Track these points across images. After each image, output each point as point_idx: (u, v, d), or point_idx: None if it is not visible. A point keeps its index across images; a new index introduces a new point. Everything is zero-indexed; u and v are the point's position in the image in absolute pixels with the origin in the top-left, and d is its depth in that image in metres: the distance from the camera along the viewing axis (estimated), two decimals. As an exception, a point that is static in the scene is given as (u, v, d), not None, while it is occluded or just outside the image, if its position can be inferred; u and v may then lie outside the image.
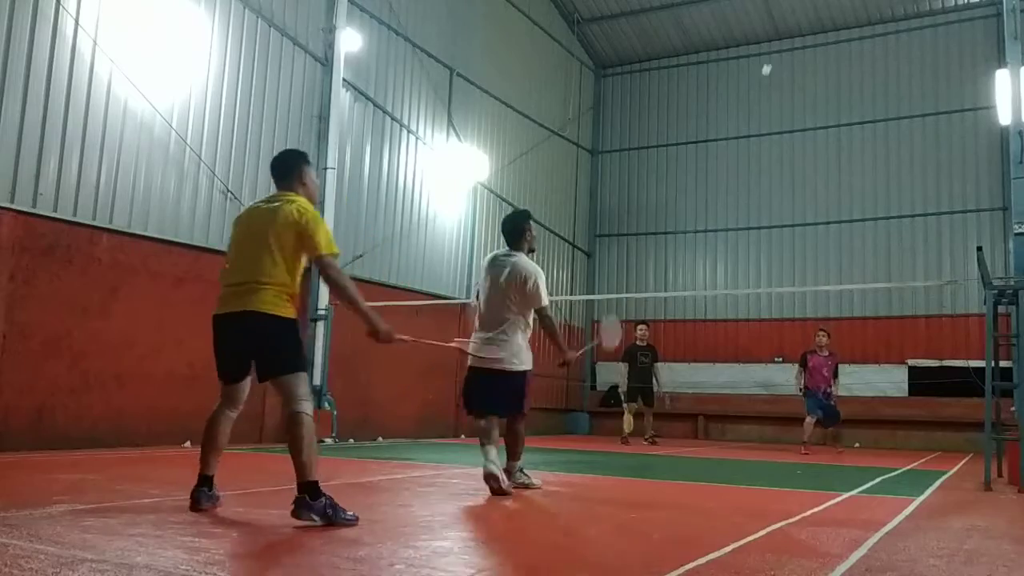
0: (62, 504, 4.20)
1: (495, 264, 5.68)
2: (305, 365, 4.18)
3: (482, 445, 5.46)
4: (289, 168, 4.30)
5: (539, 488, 5.65)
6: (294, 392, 3.99)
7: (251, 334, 4.02)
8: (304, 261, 4.13)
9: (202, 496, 4.22)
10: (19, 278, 7.58)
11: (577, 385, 17.31)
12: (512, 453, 5.68)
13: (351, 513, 3.86)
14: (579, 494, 6.05)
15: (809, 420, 11.76)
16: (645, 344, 13.31)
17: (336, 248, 4.12)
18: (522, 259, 5.67)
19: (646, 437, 12.89)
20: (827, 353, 11.94)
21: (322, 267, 4.07)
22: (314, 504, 3.78)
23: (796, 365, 12.30)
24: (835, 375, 11.94)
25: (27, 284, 7.64)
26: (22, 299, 7.59)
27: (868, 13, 15.97)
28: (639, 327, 13.57)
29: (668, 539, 4.02)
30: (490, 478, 5.24)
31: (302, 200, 4.15)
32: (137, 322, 8.46)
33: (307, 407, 3.99)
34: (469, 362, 5.67)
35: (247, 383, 4.28)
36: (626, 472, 8.23)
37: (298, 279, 4.13)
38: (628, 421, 13.00)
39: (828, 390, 11.76)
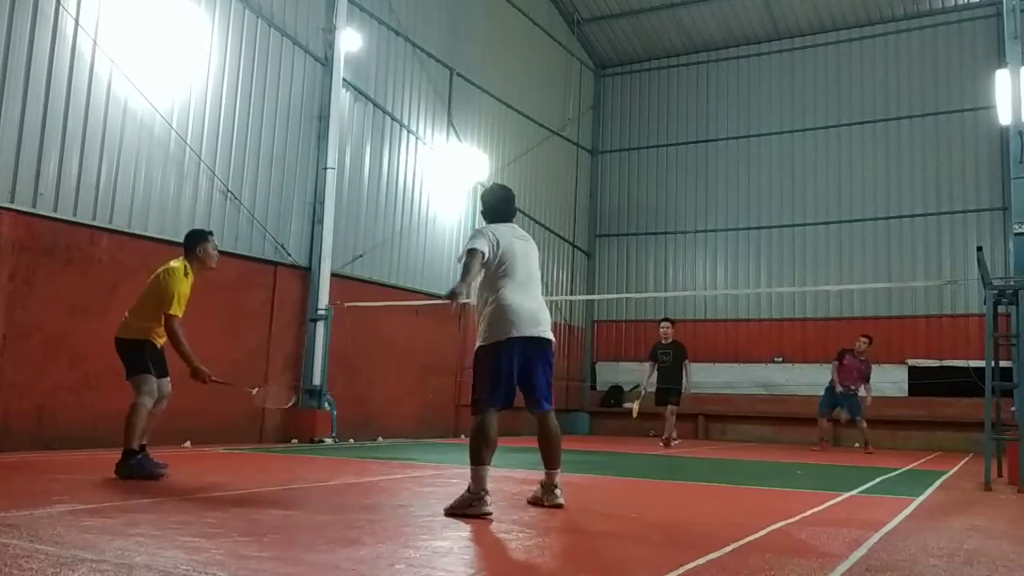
0: (62, 504, 4.21)
1: (515, 237, 4.92)
2: (146, 370, 5.74)
3: (482, 464, 4.40)
4: (191, 244, 6.14)
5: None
6: (137, 389, 5.73)
7: (119, 350, 5.82)
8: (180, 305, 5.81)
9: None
10: (19, 278, 7.59)
11: (577, 385, 17.31)
12: (558, 458, 4.78)
13: (161, 465, 5.63)
14: (579, 494, 6.05)
15: (822, 420, 12.66)
16: (669, 341, 12.61)
17: (177, 311, 5.75)
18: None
19: (663, 438, 12.23)
20: (863, 358, 12.57)
21: (165, 318, 5.74)
22: (129, 462, 5.49)
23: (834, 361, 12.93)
24: (867, 378, 12.53)
25: (27, 284, 7.64)
26: (22, 299, 7.59)
27: (868, 13, 15.96)
28: (661, 324, 12.84)
29: (668, 539, 4.02)
30: (486, 517, 4.26)
31: (174, 266, 5.90)
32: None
33: (145, 401, 5.70)
34: (515, 332, 4.59)
35: (163, 383, 5.92)
36: (626, 472, 8.23)
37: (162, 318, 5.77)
38: (634, 410, 12.52)
39: (853, 388, 12.46)
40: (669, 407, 12.29)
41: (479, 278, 4.78)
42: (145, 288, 5.96)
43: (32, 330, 7.66)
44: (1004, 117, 9.44)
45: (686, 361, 12.53)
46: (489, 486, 4.39)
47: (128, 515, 3.98)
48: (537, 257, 5.03)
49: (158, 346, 5.86)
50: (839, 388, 12.46)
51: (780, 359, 15.70)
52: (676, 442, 12.35)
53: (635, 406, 12.62)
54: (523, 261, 4.85)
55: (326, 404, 10.62)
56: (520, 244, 4.91)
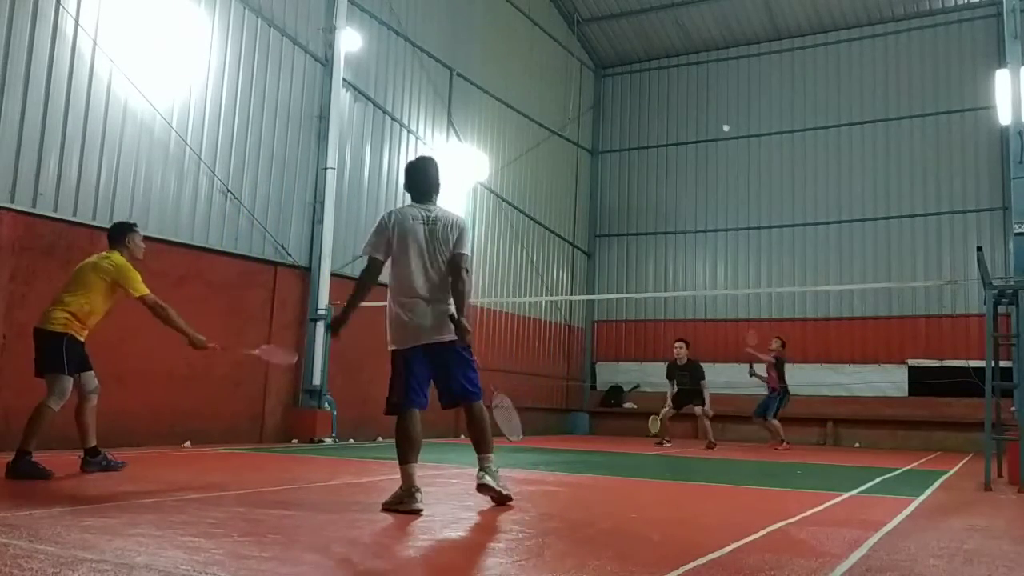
0: (62, 504, 4.21)
1: (416, 220, 4.70)
2: (62, 368, 5.60)
3: (408, 462, 4.49)
4: (118, 235, 5.97)
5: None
6: (49, 388, 5.59)
7: (37, 341, 5.70)
8: (110, 299, 5.82)
9: (85, 463, 5.93)
10: (19, 278, 7.58)
11: (577, 385, 17.31)
12: (488, 444, 4.76)
13: (44, 468, 5.36)
14: (579, 494, 6.05)
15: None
16: (685, 362, 12.65)
17: (144, 289, 5.73)
18: (445, 209, 4.85)
19: (707, 440, 12.23)
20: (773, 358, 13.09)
21: (143, 302, 5.73)
22: (21, 461, 5.32)
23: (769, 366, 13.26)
24: (779, 374, 13.03)
25: (27, 284, 7.63)
26: (22, 299, 7.58)
27: (868, 13, 15.96)
28: (675, 345, 12.84)
29: (668, 539, 4.02)
30: (416, 513, 4.30)
31: (116, 257, 5.81)
32: (137, 322, 8.41)
33: (53, 403, 5.58)
34: (408, 342, 4.75)
35: (87, 378, 5.86)
36: (626, 472, 8.23)
37: (93, 309, 5.73)
38: (654, 421, 12.62)
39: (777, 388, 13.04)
40: (698, 409, 12.37)
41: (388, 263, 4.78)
42: (72, 279, 5.84)
43: (32, 330, 7.65)
44: (1004, 117, 9.44)
45: (704, 382, 12.53)
46: (420, 484, 4.46)
47: (128, 515, 3.98)
48: (449, 227, 4.69)
49: (79, 339, 5.73)
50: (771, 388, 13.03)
51: (780, 359, 15.68)
52: (668, 443, 12.35)
53: (658, 419, 12.54)
54: (425, 248, 4.65)
55: (326, 404, 10.62)
56: (420, 227, 4.66)
